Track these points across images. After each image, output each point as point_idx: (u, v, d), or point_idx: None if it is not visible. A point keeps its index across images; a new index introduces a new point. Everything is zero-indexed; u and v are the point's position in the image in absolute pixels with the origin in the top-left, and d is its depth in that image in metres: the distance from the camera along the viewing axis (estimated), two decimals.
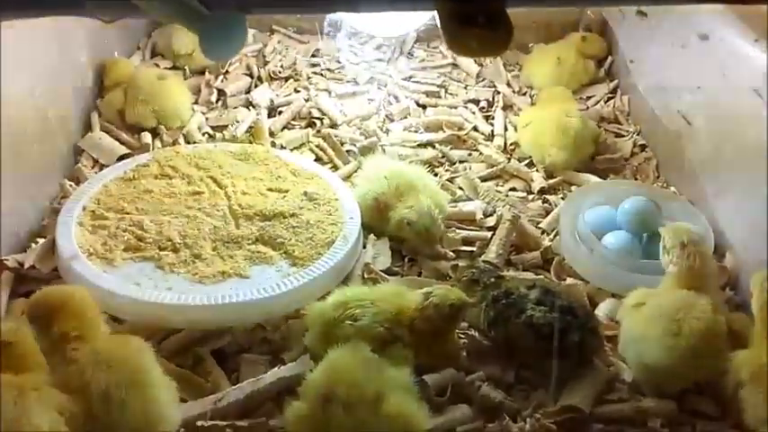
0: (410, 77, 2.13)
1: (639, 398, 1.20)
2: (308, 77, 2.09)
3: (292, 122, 1.91)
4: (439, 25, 0.89)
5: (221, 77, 2.05)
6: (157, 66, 2.05)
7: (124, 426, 1.02)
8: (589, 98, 2.09)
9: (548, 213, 1.64)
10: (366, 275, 1.42)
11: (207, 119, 1.89)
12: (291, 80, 2.07)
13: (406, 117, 1.95)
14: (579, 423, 1.15)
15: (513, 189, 1.73)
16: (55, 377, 1.02)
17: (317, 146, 1.81)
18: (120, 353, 1.06)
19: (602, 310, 1.37)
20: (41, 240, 1.42)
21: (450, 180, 1.73)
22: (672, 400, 1.18)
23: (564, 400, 1.17)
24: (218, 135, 1.83)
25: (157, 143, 1.78)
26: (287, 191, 1.56)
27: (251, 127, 1.84)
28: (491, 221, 1.59)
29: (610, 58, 2.17)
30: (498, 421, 1.13)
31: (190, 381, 1.19)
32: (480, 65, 2.19)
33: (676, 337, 1.16)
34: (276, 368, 1.20)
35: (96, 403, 1.01)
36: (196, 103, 1.95)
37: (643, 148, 1.88)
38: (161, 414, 1.06)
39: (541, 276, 1.46)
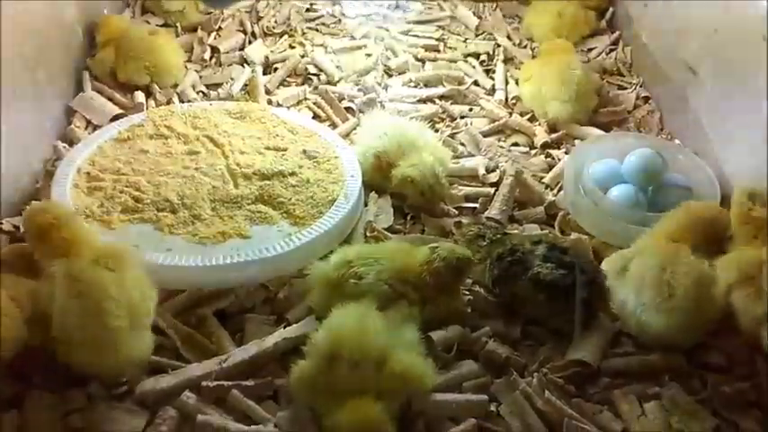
0: (408, 31, 2.08)
1: (646, 351, 1.19)
2: (303, 33, 2.05)
3: (288, 79, 1.87)
4: None
5: (214, 34, 2.00)
6: (148, 23, 2.00)
7: (80, 346, 1.03)
8: (590, 50, 2.06)
9: (551, 168, 1.62)
10: (368, 234, 1.40)
11: (201, 77, 1.85)
12: (286, 36, 2.03)
13: (404, 72, 1.91)
14: (587, 377, 1.15)
15: (516, 144, 1.71)
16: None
17: (314, 103, 1.77)
18: (86, 275, 1.06)
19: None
20: None
21: (452, 136, 1.70)
22: (679, 353, 1.18)
23: (571, 355, 1.17)
24: (213, 93, 1.79)
25: (151, 102, 1.74)
26: (285, 149, 1.54)
27: (246, 85, 1.81)
28: (494, 177, 1.57)
29: (611, 9, 2.13)
30: (506, 376, 1.12)
31: (194, 341, 1.18)
32: (479, 17, 2.15)
33: (671, 298, 1.14)
34: (281, 328, 1.19)
35: (57, 318, 1.03)
36: (189, 61, 1.91)
37: (646, 99, 1.85)
38: (117, 341, 1.05)
39: (546, 231, 1.44)
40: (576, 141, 1.70)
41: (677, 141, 1.69)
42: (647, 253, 1.22)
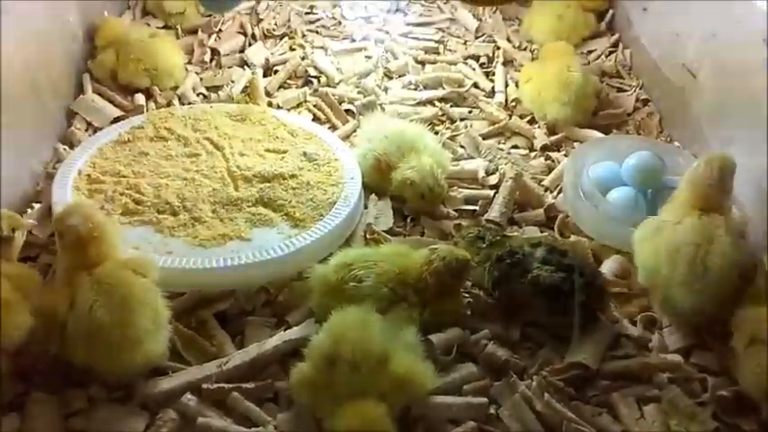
0: (407, 34, 2.09)
1: (646, 354, 1.20)
2: (304, 35, 2.05)
3: (288, 81, 1.87)
4: None
5: (214, 36, 2.00)
6: (148, 25, 2.01)
7: (102, 345, 1.04)
8: (590, 52, 2.06)
9: (550, 170, 1.62)
10: (368, 236, 1.40)
11: (201, 79, 1.86)
12: (286, 38, 2.03)
13: (404, 74, 1.91)
14: (586, 379, 1.15)
15: (516, 146, 1.71)
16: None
17: (314, 105, 1.78)
18: (116, 277, 1.08)
19: (607, 267, 1.36)
20: (37, 206, 1.40)
21: (452, 138, 1.70)
22: (678, 354, 1.18)
23: (570, 357, 1.17)
24: (213, 95, 1.80)
25: (151, 105, 1.74)
26: (285, 152, 1.54)
27: (246, 87, 1.80)
28: (493, 180, 1.57)
29: (610, 12, 2.13)
30: (505, 379, 1.12)
31: (194, 343, 1.18)
32: (479, 19, 2.15)
33: (702, 278, 1.15)
34: (281, 331, 1.19)
35: (80, 318, 1.04)
36: (190, 63, 1.91)
37: (645, 102, 1.85)
38: (139, 340, 1.06)
39: (545, 234, 1.44)
40: (576, 144, 1.70)
41: (676, 144, 1.69)
42: (682, 226, 1.20)
